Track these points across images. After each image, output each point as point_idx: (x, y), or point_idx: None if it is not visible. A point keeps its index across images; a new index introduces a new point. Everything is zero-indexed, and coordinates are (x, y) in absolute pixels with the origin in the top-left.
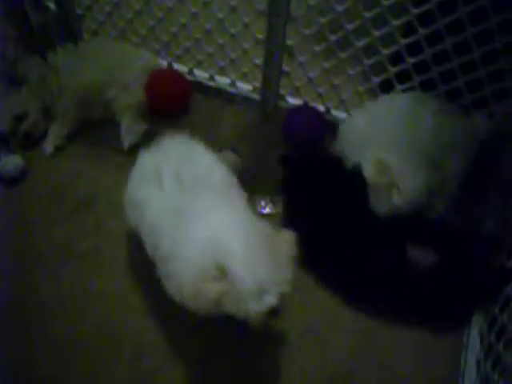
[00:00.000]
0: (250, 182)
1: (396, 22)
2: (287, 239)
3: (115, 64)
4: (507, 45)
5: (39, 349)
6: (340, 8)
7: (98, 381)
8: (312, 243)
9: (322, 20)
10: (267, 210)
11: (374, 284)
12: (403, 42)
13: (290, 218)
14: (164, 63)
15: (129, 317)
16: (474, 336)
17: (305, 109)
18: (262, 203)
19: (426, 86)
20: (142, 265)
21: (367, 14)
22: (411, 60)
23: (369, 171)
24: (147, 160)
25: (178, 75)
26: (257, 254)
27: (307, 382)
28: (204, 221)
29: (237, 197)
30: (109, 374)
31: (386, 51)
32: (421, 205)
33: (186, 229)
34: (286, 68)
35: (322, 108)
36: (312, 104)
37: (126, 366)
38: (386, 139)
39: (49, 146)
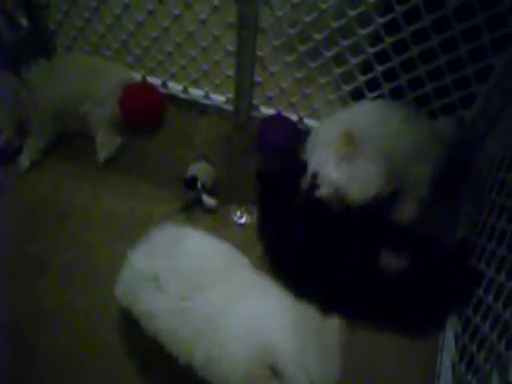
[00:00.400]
0: (225, 192)
1: (363, 32)
2: (335, 327)
3: (89, 78)
4: (471, 52)
5: (13, 362)
6: (308, 19)
7: None
8: (287, 254)
9: (291, 31)
10: (243, 220)
11: (349, 290)
12: (371, 51)
13: (264, 230)
14: (138, 76)
15: (105, 329)
16: (449, 339)
17: (277, 118)
18: (238, 213)
19: (396, 94)
20: None
21: (334, 25)
22: (379, 68)
23: (335, 143)
24: (140, 261)
25: (151, 88)
26: (308, 348)
27: None
28: (238, 314)
29: (260, 279)
30: None
31: (354, 60)
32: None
33: (221, 328)
34: (258, 78)
35: (294, 117)
36: (285, 113)
37: (103, 377)
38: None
39: (24, 161)
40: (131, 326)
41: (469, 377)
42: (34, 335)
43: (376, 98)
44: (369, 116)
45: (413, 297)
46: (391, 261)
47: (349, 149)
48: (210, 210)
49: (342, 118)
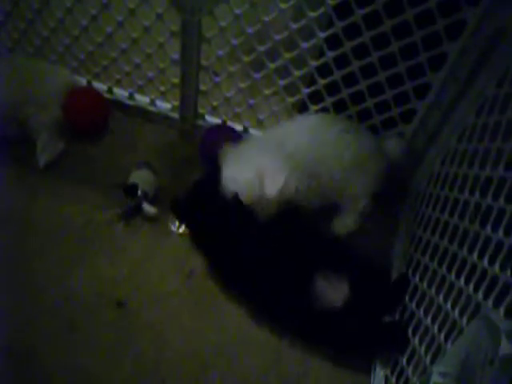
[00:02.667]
0: (167, 201)
1: (306, 45)
2: None
3: (31, 81)
4: (409, 69)
5: None
6: (250, 30)
7: None
8: (219, 267)
9: (234, 41)
10: (181, 230)
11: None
12: (314, 63)
13: (198, 243)
14: (83, 81)
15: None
16: (378, 376)
17: (221, 128)
18: (176, 223)
19: (339, 107)
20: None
21: (277, 37)
22: (322, 82)
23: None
24: None
25: (95, 93)
26: None
27: None
28: None
29: None
30: None
31: (297, 73)
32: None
33: None
34: (203, 87)
35: (240, 127)
36: (230, 123)
37: None
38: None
39: None
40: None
41: None
42: None
43: (320, 110)
44: (305, 128)
45: (345, 326)
46: (329, 291)
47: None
48: (150, 219)
49: (277, 131)
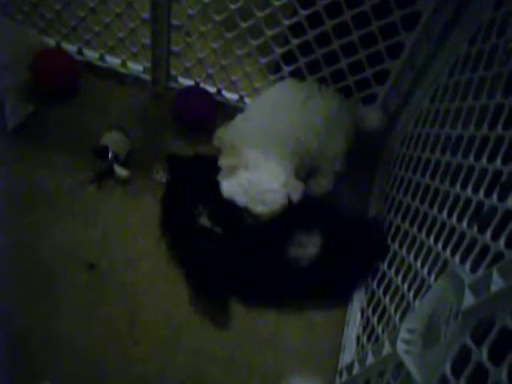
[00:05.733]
0: (138, 164)
1: (277, 3)
2: None
3: None
4: (383, 28)
5: None
6: None
7: None
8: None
9: (206, 0)
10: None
11: (256, 277)
12: (286, 22)
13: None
14: (52, 42)
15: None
16: (355, 312)
17: (193, 89)
18: (161, 172)
19: (312, 68)
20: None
21: None
22: (295, 41)
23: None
24: None
25: (64, 53)
26: None
27: (191, 361)
28: None
29: None
30: None
31: (270, 32)
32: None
33: None
34: (176, 48)
35: (213, 89)
36: (204, 85)
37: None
38: (256, 132)
39: None
40: None
41: (368, 347)
42: None
43: (293, 71)
44: (276, 98)
45: (323, 275)
46: (301, 251)
47: (233, 160)
48: (122, 182)
49: (250, 109)
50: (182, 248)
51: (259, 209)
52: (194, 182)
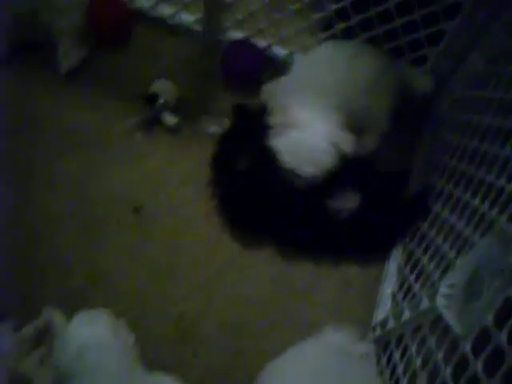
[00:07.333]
0: (187, 112)
1: None
2: None
3: None
4: None
5: None
6: None
7: None
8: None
9: None
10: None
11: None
12: None
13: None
14: None
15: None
16: (392, 269)
17: (244, 43)
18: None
19: (364, 27)
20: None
21: None
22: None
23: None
24: None
25: (117, 1)
26: None
27: (229, 305)
28: None
29: None
30: None
31: None
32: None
33: None
34: (228, 0)
35: (263, 44)
36: (254, 39)
37: None
38: (303, 88)
39: None
40: None
41: (404, 304)
42: None
43: (345, 30)
44: (320, 61)
45: (361, 230)
46: (341, 204)
47: (283, 118)
48: (170, 129)
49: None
50: (226, 190)
51: (308, 170)
52: (253, 132)
